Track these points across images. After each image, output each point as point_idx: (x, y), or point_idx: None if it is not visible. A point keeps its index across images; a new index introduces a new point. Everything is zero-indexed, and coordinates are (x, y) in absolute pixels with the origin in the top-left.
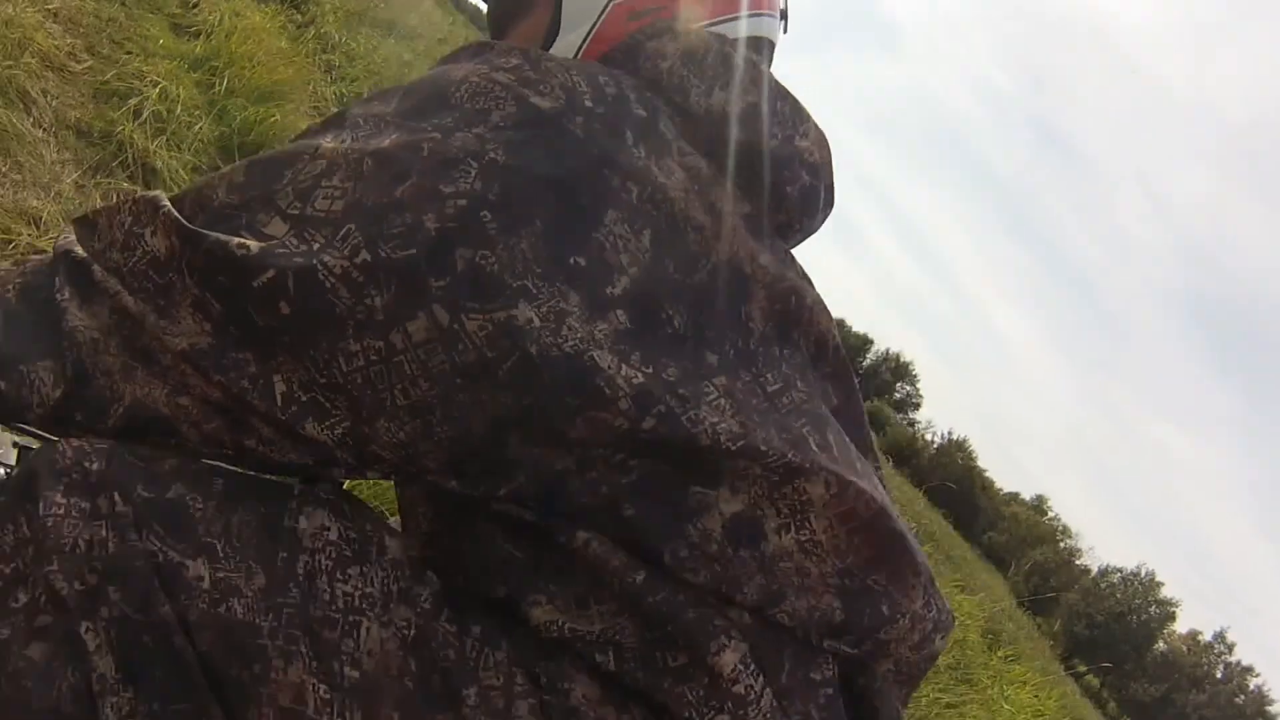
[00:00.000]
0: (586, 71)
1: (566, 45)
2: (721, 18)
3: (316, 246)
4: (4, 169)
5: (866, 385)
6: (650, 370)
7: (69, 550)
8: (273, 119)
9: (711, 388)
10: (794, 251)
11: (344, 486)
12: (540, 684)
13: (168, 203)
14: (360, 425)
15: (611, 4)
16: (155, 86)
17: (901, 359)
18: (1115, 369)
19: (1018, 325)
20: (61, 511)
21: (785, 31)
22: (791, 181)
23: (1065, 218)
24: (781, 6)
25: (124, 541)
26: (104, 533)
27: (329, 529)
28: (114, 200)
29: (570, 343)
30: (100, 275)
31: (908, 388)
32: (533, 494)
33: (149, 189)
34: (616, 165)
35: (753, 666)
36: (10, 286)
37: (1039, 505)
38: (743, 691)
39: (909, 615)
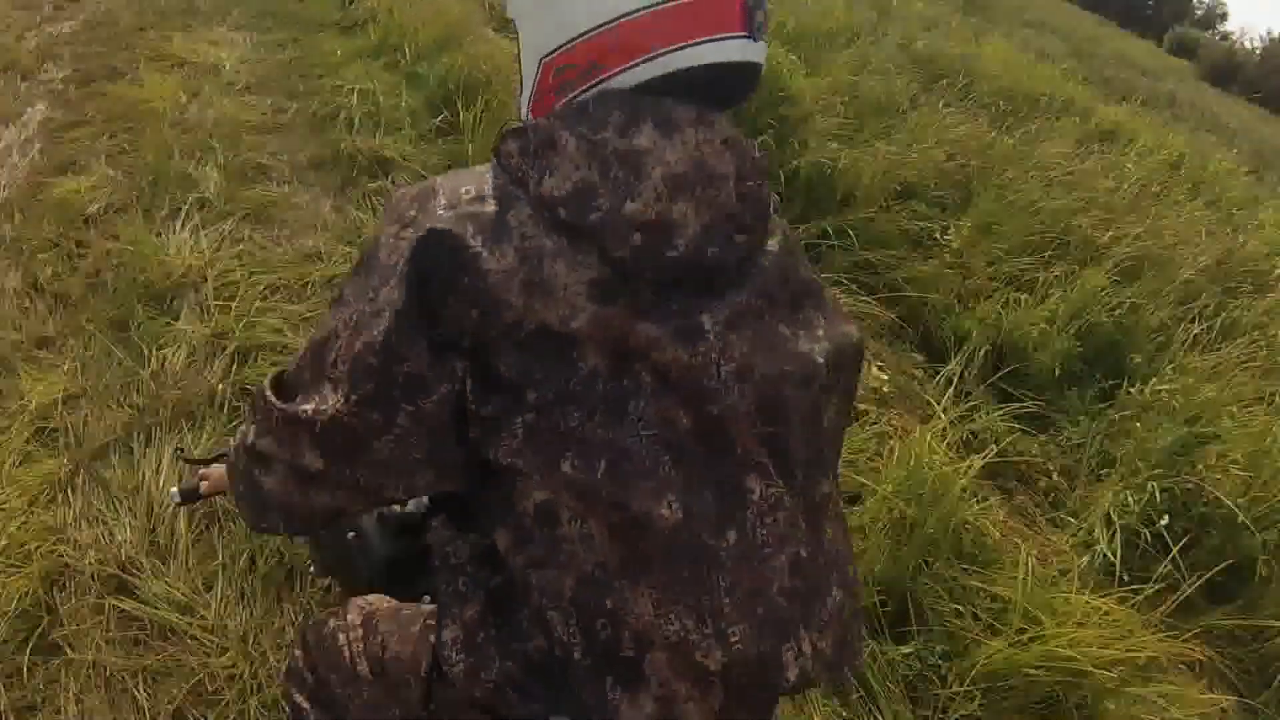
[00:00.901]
0: (452, 183)
1: (524, 102)
2: (638, 60)
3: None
4: (277, 231)
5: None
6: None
7: None
8: (456, 63)
9: (517, 423)
10: None
11: None
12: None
13: (269, 391)
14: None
15: (540, 64)
16: (353, 92)
17: None
18: None
19: None
20: None
21: (756, 39)
22: (619, 245)
23: None
24: (732, 32)
25: None
26: None
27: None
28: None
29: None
30: (265, 447)
31: (1206, 1)
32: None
33: (390, 180)
34: (456, 257)
35: None
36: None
37: None
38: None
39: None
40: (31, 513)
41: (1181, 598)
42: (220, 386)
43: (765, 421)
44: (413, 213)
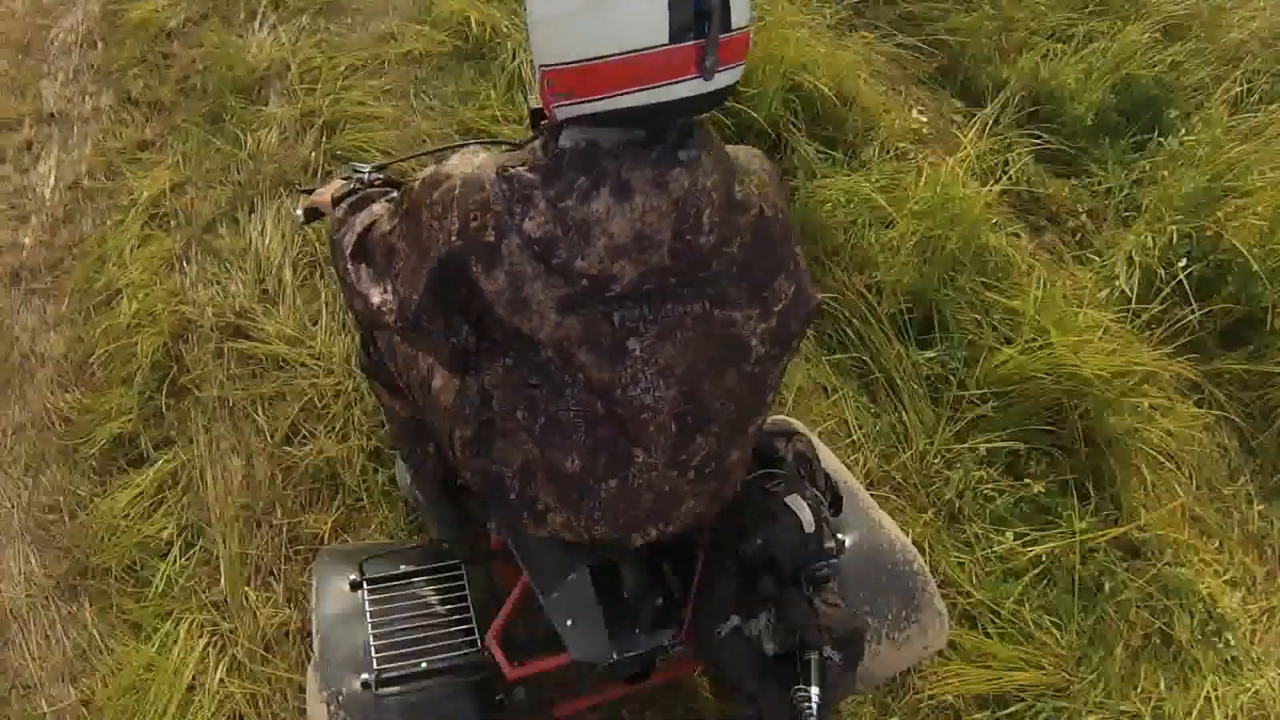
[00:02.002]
0: (464, 204)
1: (536, 93)
2: (602, 95)
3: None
4: (350, 19)
5: None
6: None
7: None
8: None
9: (498, 364)
10: None
11: None
12: None
13: (349, 255)
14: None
15: (539, 69)
16: None
17: None
18: None
19: None
20: None
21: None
22: (575, 283)
23: None
24: (686, 76)
25: None
26: None
27: None
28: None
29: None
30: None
31: None
32: None
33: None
34: (463, 276)
35: None
36: None
37: None
38: None
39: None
40: (155, 283)
41: (1190, 333)
42: (313, 155)
43: (685, 400)
44: (439, 210)
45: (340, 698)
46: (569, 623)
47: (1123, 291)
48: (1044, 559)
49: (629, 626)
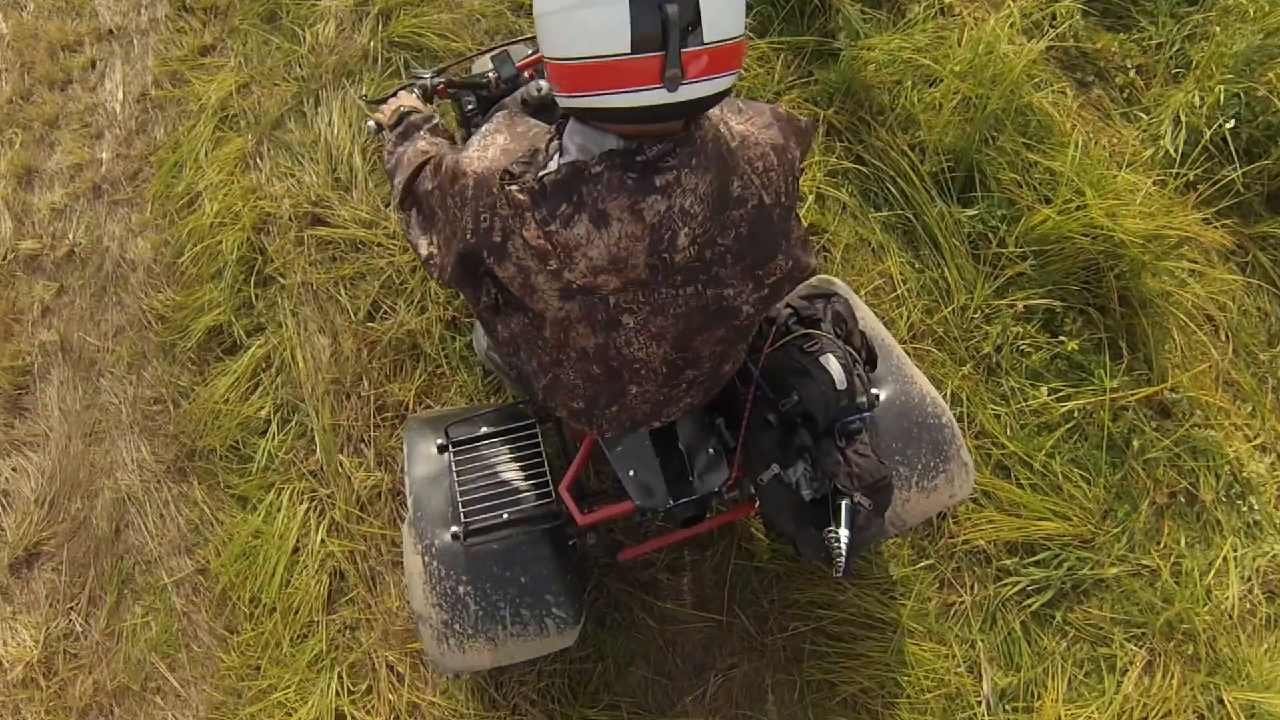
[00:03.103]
0: (475, 205)
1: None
2: (580, 94)
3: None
4: None
5: None
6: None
7: None
8: None
9: (516, 318)
10: None
11: None
12: None
13: (399, 201)
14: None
15: (542, 54)
16: None
17: None
18: None
19: None
20: None
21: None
22: (569, 285)
23: None
24: (650, 85)
25: None
26: None
27: None
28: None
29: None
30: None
31: None
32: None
33: None
34: (481, 266)
35: None
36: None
37: None
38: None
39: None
40: (232, 182)
41: (1235, 195)
42: (371, 44)
43: (676, 351)
44: (459, 202)
45: (434, 549)
46: (631, 473)
47: (1167, 151)
48: (1076, 415)
49: (684, 476)
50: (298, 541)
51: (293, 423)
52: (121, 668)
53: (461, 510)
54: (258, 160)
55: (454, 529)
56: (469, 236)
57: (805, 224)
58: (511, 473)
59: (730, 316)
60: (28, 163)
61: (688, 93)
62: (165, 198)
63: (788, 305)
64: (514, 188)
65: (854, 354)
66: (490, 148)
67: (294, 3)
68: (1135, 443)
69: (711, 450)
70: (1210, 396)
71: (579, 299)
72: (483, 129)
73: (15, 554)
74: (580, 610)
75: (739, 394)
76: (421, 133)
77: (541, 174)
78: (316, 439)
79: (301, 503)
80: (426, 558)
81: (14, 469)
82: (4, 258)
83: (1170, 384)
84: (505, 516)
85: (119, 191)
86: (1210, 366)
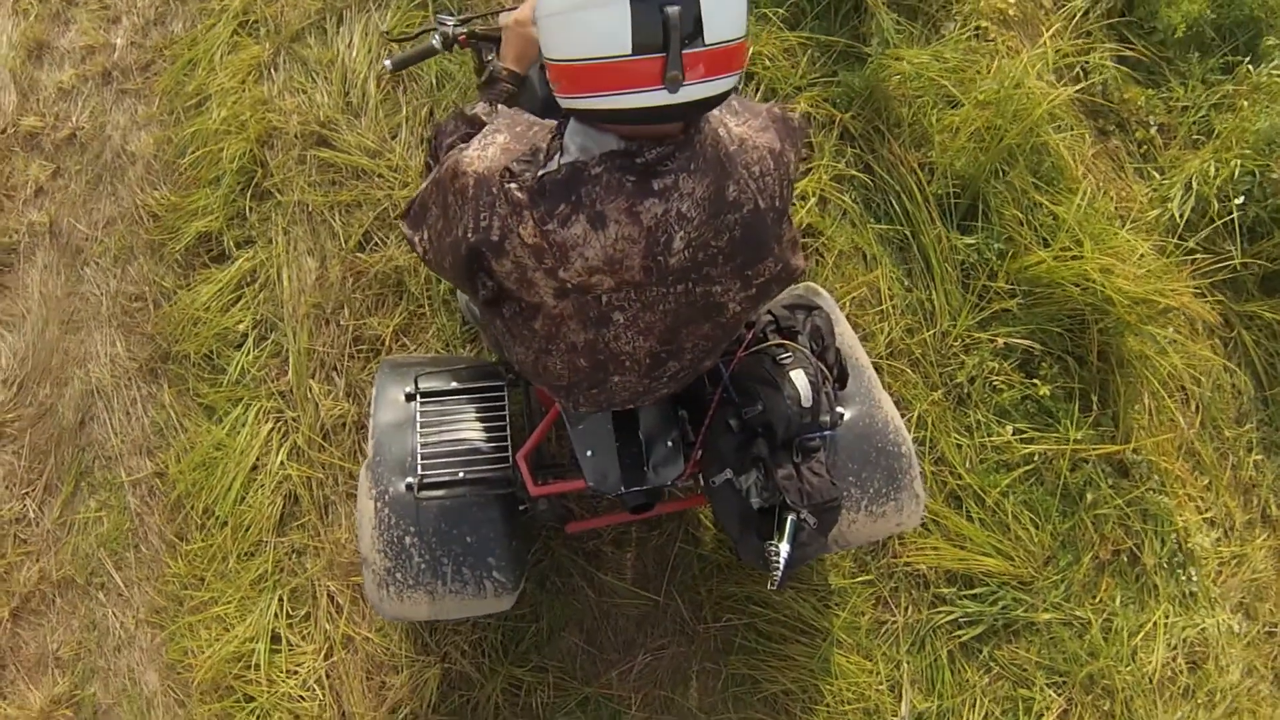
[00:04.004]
0: (475, 204)
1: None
2: (580, 95)
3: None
4: None
5: None
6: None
7: None
8: None
9: (508, 309)
10: None
11: None
12: None
13: (403, 219)
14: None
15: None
16: None
17: None
18: None
19: None
20: None
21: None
22: (563, 284)
23: None
24: (650, 86)
25: None
26: None
27: None
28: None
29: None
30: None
31: None
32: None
33: None
34: (481, 261)
35: None
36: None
37: None
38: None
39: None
40: (243, 89)
41: (1231, 271)
42: None
43: (661, 344)
44: (459, 200)
45: (386, 496)
46: (589, 453)
47: (1173, 216)
48: (1036, 458)
49: (639, 465)
50: (258, 460)
51: (269, 341)
52: (69, 559)
53: (420, 462)
54: (272, 71)
55: (409, 480)
56: (470, 235)
57: (797, 226)
58: (474, 432)
59: (717, 313)
60: (40, 37)
61: (688, 94)
62: (174, 94)
63: (769, 312)
64: (513, 185)
65: (825, 371)
66: (490, 146)
67: None
68: (1089, 496)
69: (670, 443)
70: (1170, 464)
71: (573, 297)
72: (485, 128)
73: None
74: (520, 577)
75: (706, 392)
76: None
77: (541, 173)
78: (290, 360)
79: (267, 421)
80: (379, 504)
81: None
82: (4, 131)
83: (1133, 445)
84: (461, 475)
85: (129, 80)
86: (1175, 435)
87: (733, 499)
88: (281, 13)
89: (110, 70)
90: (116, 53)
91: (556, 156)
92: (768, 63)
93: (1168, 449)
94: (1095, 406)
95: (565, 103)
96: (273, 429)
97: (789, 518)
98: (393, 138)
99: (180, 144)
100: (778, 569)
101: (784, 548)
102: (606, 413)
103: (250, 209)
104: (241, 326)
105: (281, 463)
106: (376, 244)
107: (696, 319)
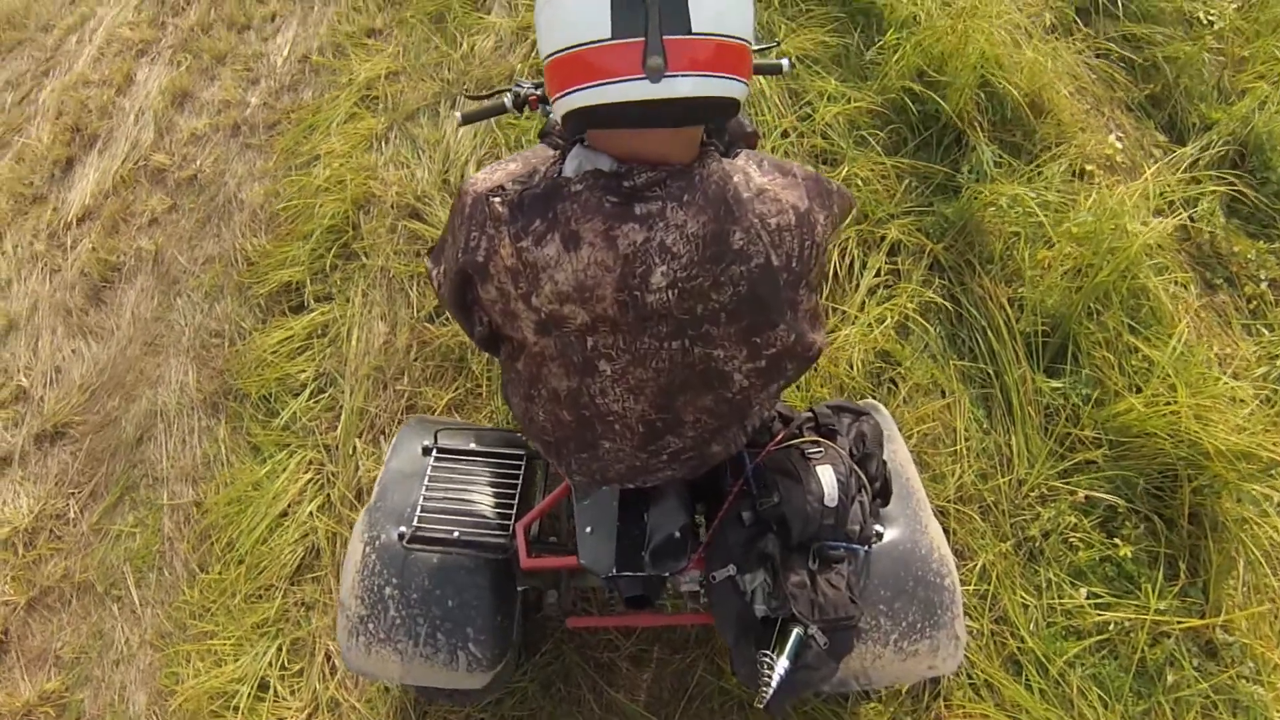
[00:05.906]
0: (466, 228)
1: None
2: (564, 91)
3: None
4: None
5: None
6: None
7: None
8: None
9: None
10: None
11: None
12: None
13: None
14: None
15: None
16: None
17: None
18: None
19: None
20: None
21: (654, 80)
22: (538, 314)
23: None
24: (629, 75)
25: None
26: None
27: None
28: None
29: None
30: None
31: None
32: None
33: None
34: (469, 287)
35: None
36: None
37: None
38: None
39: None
40: (351, 156)
41: None
42: (519, 66)
43: (657, 411)
44: (459, 221)
45: (377, 541)
46: (588, 529)
47: None
48: (1111, 627)
49: (638, 549)
50: (289, 506)
51: (326, 394)
52: (95, 565)
53: (418, 514)
54: (382, 144)
55: (402, 529)
56: (460, 256)
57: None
58: (481, 496)
59: (720, 383)
60: (187, 87)
61: (674, 88)
62: (290, 153)
63: (809, 410)
64: (496, 199)
65: (864, 480)
66: (498, 171)
67: (464, 10)
68: (1170, 676)
69: (677, 534)
70: (1267, 648)
71: (554, 336)
72: (489, 165)
73: (45, 426)
74: (499, 658)
75: (726, 484)
76: None
77: (524, 188)
78: (342, 416)
79: (307, 471)
80: (368, 548)
81: (74, 350)
82: (136, 163)
83: (1224, 620)
84: (455, 534)
85: (254, 136)
86: (1275, 612)
87: (733, 599)
88: (401, 92)
89: (240, 124)
90: (249, 110)
91: (553, 179)
92: (861, 185)
93: (1265, 630)
94: (1183, 574)
95: (556, 106)
96: (310, 479)
97: (794, 630)
98: None
99: (285, 197)
100: (768, 685)
101: (782, 662)
102: (614, 492)
103: (334, 267)
104: (304, 376)
105: (311, 513)
106: (445, 319)
107: (695, 385)
